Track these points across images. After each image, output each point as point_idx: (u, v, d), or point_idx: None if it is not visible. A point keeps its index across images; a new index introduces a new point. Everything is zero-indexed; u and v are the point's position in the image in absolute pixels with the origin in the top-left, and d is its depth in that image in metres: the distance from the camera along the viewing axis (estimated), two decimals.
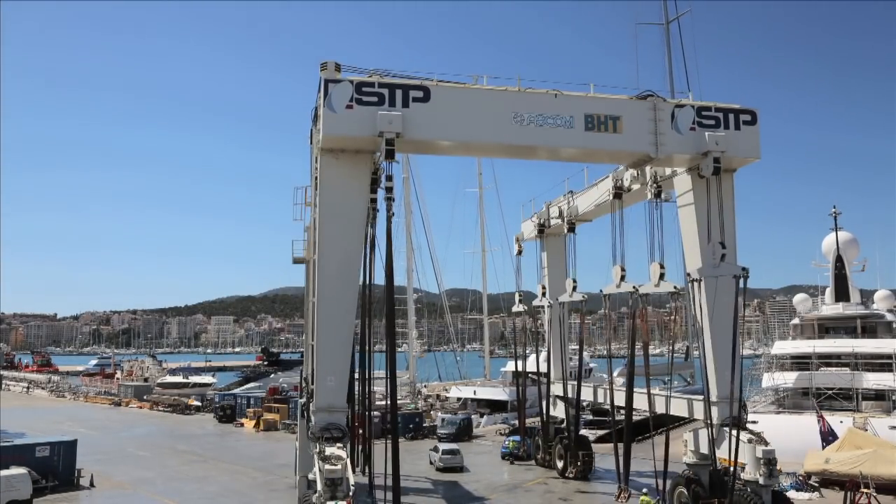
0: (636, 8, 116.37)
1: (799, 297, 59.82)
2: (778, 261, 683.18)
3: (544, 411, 44.31)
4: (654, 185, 32.08)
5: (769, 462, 26.45)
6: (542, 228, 44.83)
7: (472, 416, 61.14)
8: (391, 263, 28.24)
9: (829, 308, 54.23)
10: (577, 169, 40.23)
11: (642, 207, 33.42)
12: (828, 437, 39.13)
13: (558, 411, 44.21)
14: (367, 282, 30.00)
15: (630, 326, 36.26)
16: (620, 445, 33.70)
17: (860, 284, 55.52)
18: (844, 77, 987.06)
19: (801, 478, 35.82)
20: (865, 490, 31.07)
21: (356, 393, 31.07)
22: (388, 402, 26.98)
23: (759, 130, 30.28)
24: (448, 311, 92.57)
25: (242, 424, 64.52)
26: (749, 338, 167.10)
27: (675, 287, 31.46)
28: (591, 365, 77.59)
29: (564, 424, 42.96)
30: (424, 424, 57.90)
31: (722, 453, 28.19)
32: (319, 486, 23.82)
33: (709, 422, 29.17)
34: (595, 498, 35.61)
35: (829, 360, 49.20)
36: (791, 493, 32.61)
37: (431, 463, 43.18)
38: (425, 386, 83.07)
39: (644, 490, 30.71)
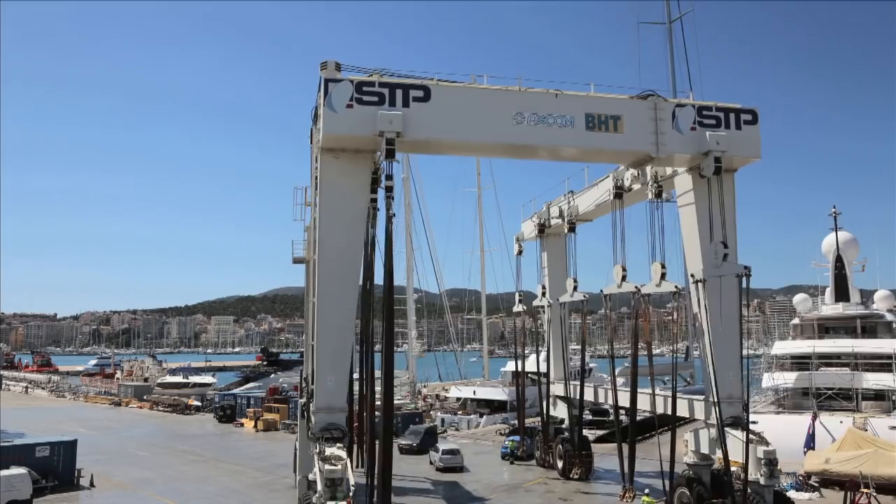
0: (638, 8, 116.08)
1: (799, 297, 59.79)
2: (778, 261, 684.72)
3: (544, 411, 44.34)
4: (655, 184, 32.01)
5: (770, 462, 26.38)
6: (542, 228, 44.80)
7: (437, 423, 60.05)
8: (391, 263, 28.17)
9: (829, 308, 54.25)
10: (577, 169, 40.24)
11: (643, 207, 33.40)
12: (810, 441, 39.72)
13: (558, 411, 44.23)
14: (367, 282, 29.96)
15: (632, 326, 36.25)
16: (623, 445, 33.66)
17: (860, 284, 55.65)
18: (845, 79, 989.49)
19: (800, 478, 35.80)
20: (865, 490, 31.08)
21: (356, 393, 31.00)
22: (383, 403, 26.75)
23: (759, 130, 30.19)
24: (448, 311, 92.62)
25: (242, 424, 64.49)
26: (749, 338, 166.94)
27: (676, 287, 31.46)
28: (591, 365, 77.60)
29: (564, 424, 42.97)
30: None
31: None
32: (319, 487, 23.74)
33: (710, 422, 29.11)
34: (595, 498, 35.57)
35: (828, 360, 49.18)
36: (791, 493, 32.52)
37: (431, 463, 43.18)
38: (425, 386, 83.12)
39: (646, 490, 30.68)
